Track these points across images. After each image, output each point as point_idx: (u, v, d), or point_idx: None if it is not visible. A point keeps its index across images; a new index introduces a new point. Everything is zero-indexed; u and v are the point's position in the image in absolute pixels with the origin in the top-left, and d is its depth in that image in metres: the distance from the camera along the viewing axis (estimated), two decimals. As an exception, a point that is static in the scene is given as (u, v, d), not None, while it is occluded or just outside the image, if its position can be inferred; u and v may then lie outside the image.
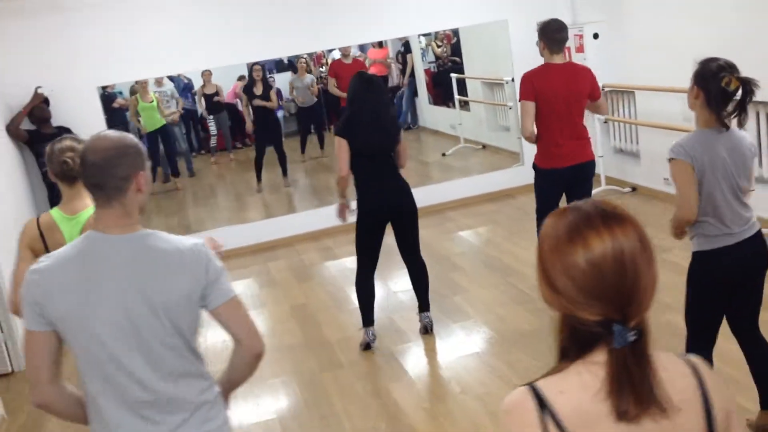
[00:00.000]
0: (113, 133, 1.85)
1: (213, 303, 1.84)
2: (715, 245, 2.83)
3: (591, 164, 4.51)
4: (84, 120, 6.34)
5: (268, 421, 3.88)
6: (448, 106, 9.92)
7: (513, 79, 7.54)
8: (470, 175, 8.22)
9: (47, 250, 2.56)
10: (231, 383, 2.01)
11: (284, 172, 8.75)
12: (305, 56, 9.35)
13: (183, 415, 1.85)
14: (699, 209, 2.78)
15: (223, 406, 1.97)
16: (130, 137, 1.86)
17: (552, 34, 4.30)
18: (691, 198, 2.75)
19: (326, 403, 3.93)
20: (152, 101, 9.03)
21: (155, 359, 1.80)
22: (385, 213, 4.31)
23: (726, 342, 3.82)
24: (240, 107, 10.14)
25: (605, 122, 7.03)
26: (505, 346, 4.27)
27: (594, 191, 5.69)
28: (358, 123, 4.17)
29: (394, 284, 5.49)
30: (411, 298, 5.22)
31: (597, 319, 1.13)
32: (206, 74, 9.53)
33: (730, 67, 2.72)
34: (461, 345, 4.43)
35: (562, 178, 4.44)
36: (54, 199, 6.15)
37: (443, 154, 9.27)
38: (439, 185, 7.68)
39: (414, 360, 4.32)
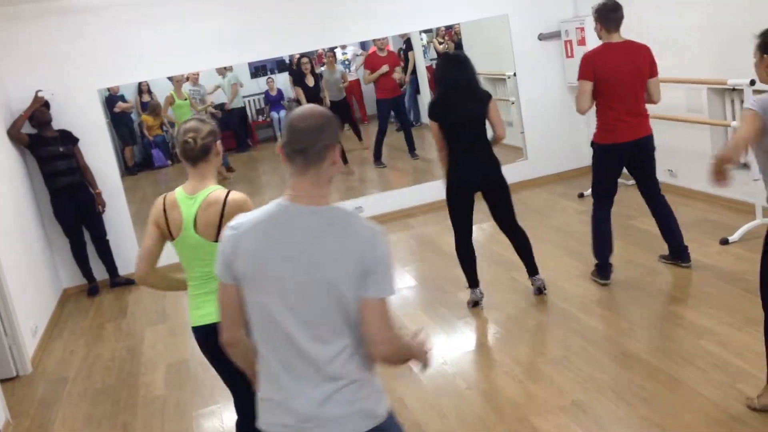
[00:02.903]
0: (317, 106, 1.95)
1: (364, 292, 1.84)
2: None
3: (650, 138, 4.58)
4: (86, 123, 6.36)
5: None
6: (451, 103, 9.87)
7: (515, 74, 7.51)
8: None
9: (168, 226, 2.69)
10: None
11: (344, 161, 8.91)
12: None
13: (334, 386, 1.88)
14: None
15: (377, 388, 1.97)
16: (331, 112, 1.93)
17: (607, 14, 4.41)
18: (741, 143, 2.70)
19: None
20: (185, 98, 9.22)
21: (314, 327, 1.85)
22: (473, 186, 4.50)
23: (729, 329, 3.80)
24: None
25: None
26: (510, 341, 4.24)
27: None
28: (447, 99, 4.34)
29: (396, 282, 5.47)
30: (414, 295, 5.22)
31: None
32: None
33: None
34: (466, 341, 4.41)
35: (622, 154, 4.53)
36: (56, 202, 6.15)
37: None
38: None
39: (419, 357, 4.29)
